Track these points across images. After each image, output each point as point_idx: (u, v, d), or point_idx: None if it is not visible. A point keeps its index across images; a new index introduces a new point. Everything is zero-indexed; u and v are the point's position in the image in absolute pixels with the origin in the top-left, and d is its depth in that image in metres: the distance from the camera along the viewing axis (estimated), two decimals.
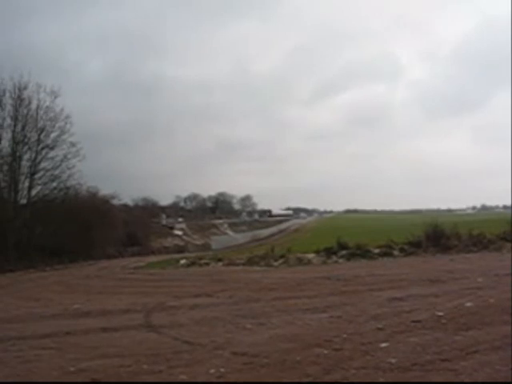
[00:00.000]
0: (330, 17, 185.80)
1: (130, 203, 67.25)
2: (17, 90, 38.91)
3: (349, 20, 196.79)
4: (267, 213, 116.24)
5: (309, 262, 23.26)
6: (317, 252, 24.67)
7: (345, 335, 8.02)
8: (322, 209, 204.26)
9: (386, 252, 23.73)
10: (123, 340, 8.64)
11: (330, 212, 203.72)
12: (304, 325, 9.07)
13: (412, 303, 10.39)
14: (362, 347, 7.28)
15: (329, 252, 24.27)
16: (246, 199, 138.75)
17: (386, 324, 8.63)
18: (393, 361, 6.49)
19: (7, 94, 38.77)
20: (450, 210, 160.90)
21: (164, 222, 78.49)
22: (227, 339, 8.23)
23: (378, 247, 24.50)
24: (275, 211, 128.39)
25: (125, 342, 8.43)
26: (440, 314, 9.13)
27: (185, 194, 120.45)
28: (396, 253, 23.82)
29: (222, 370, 6.59)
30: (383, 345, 7.32)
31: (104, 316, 11.44)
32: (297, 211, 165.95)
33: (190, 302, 12.73)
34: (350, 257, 23.25)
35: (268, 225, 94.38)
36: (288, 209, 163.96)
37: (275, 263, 23.51)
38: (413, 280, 14.06)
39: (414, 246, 24.21)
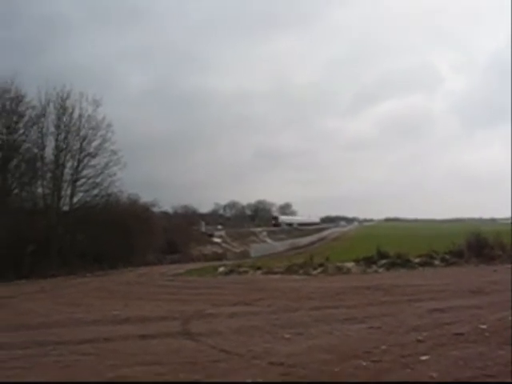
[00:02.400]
0: (367, 29, 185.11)
1: (170, 211, 67.88)
2: (60, 100, 39.76)
3: (386, 31, 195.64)
4: (273, 220, 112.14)
5: (348, 271, 23.02)
6: (356, 261, 24.40)
7: (384, 347, 7.86)
8: (361, 217, 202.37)
9: (427, 261, 23.29)
10: (161, 347, 8.65)
11: (371, 220, 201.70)
12: (342, 335, 8.95)
13: (453, 315, 10.15)
14: (402, 359, 7.13)
15: (368, 261, 23.98)
16: (286, 207, 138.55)
17: (426, 336, 8.44)
18: (434, 375, 6.32)
19: (51, 104, 39.65)
20: (493, 220, 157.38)
21: (203, 229, 78.79)
22: (265, 349, 8.16)
23: (419, 256, 24.08)
24: (301, 219, 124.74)
25: (162, 350, 8.44)
26: (483, 326, 8.89)
27: (224, 201, 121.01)
28: (437, 262, 23.36)
29: (259, 379, 6.54)
30: (424, 358, 7.15)
31: (142, 323, 11.49)
32: (337, 220, 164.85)
33: (228, 310, 12.70)
34: (390, 266, 22.90)
35: (307, 233, 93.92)
36: (328, 217, 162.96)
37: (314, 272, 23.32)
38: (454, 291, 13.76)
39: (455, 256, 23.71)
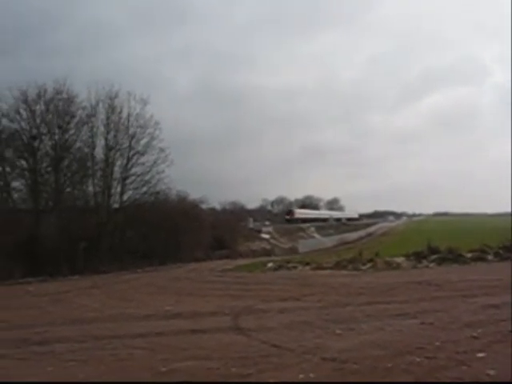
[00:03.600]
0: (411, 24, 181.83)
1: (218, 207, 68.32)
2: (109, 100, 40.47)
3: (430, 26, 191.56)
4: (287, 215, 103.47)
5: (398, 266, 22.71)
6: (406, 256, 24.05)
7: (438, 343, 7.73)
8: (410, 212, 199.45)
9: (480, 256, 22.74)
10: (212, 342, 8.73)
11: (419, 215, 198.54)
12: (394, 331, 8.84)
13: (509, 311, 9.88)
14: (457, 356, 6.99)
15: (419, 256, 23.59)
16: (333, 202, 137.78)
17: (481, 332, 8.25)
18: (491, 372, 6.18)
19: (100, 104, 40.38)
20: None
21: (251, 225, 78.97)
22: (316, 344, 8.14)
23: (471, 251, 23.54)
24: (334, 214, 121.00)
25: (213, 345, 8.51)
26: None
27: (272, 197, 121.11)
28: (490, 257, 22.78)
29: (312, 375, 6.52)
30: (480, 355, 6.99)
31: (193, 318, 11.61)
32: (385, 215, 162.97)
33: (277, 305, 12.70)
34: (441, 261, 22.46)
35: (356, 228, 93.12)
36: (376, 212, 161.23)
37: (363, 267, 23.09)
38: (509, 286, 13.41)
39: (509, 251, 23.09)
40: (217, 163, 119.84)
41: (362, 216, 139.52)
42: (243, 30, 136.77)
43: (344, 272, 22.21)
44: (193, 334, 9.52)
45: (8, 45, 70.50)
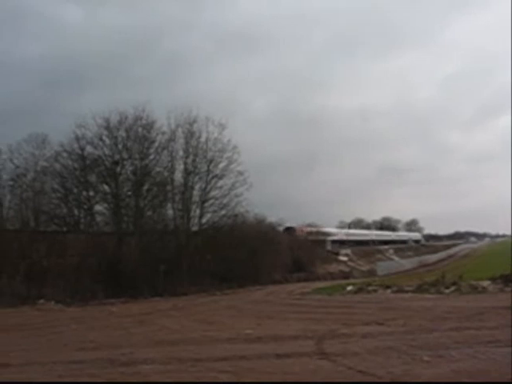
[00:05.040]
0: (487, 41, 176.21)
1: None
2: (187, 125, 41.33)
3: (505, 43, 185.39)
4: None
5: (484, 289, 21.83)
6: (492, 279, 23.09)
7: None
8: (493, 232, 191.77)
9: None
10: (297, 367, 8.59)
11: (503, 236, 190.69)
12: (488, 359, 8.41)
13: None
14: None
15: (507, 279, 22.57)
16: (412, 224, 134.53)
17: None
18: None
19: (179, 129, 41.31)
20: None
21: (329, 247, 78.24)
22: (404, 371, 7.86)
23: None
24: (385, 236, 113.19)
25: (299, 370, 8.37)
26: None
27: (349, 219, 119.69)
28: None
29: None
30: None
31: (275, 341, 11.50)
32: (466, 236, 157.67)
33: (360, 329, 12.44)
34: None
35: (435, 250, 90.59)
36: (457, 233, 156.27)
37: (447, 291, 22.38)
38: None
39: None
40: (293, 185, 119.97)
41: (442, 237, 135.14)
42: (318, 53, 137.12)
43: (427, 295, 21.60)
44: (277, 359, 9.39)
45: (93, 77, 73.52)
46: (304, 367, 8.55)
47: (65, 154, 40.05)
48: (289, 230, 64.29)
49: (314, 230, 72.57)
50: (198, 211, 41.91)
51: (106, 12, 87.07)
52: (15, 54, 71.84)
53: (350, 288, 27.89)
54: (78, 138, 39.50)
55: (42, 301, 27.49)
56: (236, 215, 43.57)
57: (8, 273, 30.15)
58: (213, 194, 41.99)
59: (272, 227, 54.25)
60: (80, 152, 39.96)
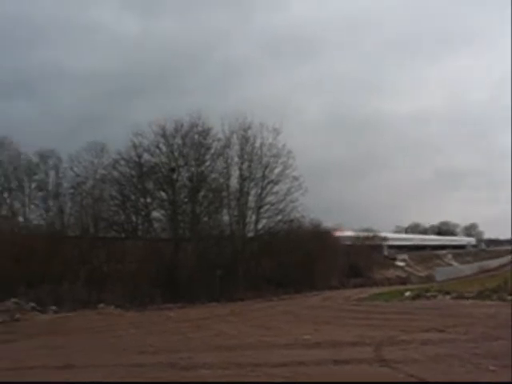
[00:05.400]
0: None
1: (352, 234, 67.46)
2: (242, 131, 41.59)
3: None
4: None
5: None
6: None
7: None
8: None
9: None
10: (356, 374, 8.49)
11: None
12: None
13: None
14: None
15: None
16: (471, 228, 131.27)
17: None
18: None
19: (234, 136, 41.60)
20: None
21: (386, 252, 77.21)
22: (468, 380, 7.65)
23: None
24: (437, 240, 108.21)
25: (358, 377, 8.27)
26: None
27: (405, 223, 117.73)
28: None
29: None
30: None
31: (333, 347, 11.40)
32: None
33: (420, 336, 12.19)
34: None
35: (497, 255, 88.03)
36: None
37: (509, 297, 21.71)
38: None
39: None
40: (349, 190, 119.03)
41: (503, 242, 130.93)
42: (371, 56, 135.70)
43: (488, 302, 21.02)
44: (335, 365, 9.31)
45: (148, 87, 74.97)
46: (363, 374, 8.45)
47: (122, 162, 40.94)
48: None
49: (369, 234, 71.48)
50: (253, 217, 42.14)
51: (160, 24, 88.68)
52: (73, 66, 73.92)
53: (407, 294, 27.45)
54: (135, 146, 40.34)
55: (101, 305, 28.04)
56: (292, 220, 43.55)
57: (69, 278, 30.94)
58: (268, 199, 42.13)
59: (328, 232, 53.95)
60: (137, 159, 40.76)
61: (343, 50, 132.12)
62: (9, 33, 72.16)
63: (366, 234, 70.88)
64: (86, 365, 10.68)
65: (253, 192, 42.00)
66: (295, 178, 41.71)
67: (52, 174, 40.44)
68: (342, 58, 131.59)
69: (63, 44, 75.87)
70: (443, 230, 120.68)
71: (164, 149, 40.55)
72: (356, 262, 55.66)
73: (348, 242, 61.75)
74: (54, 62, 72.16)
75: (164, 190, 41.25)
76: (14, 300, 25.60)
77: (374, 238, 71.81)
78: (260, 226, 42.55)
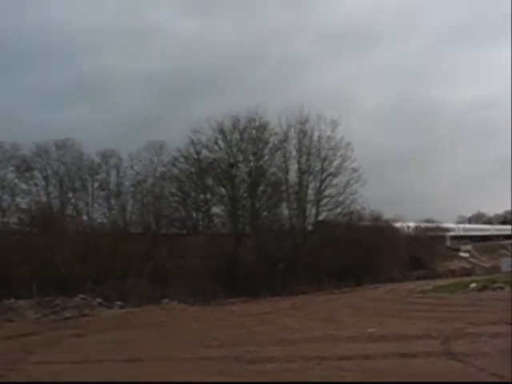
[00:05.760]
0: None
1: (413, 225, 66.29)
2: (299, 124, 41.45)
3: None
4: None
5: None
6: None
7: None
8: None
9: None
10: (424, 368, 8.35)
11: None
12: None
13: None
14: None
15: None
16: None
17: None
18: None
19: (292, 129, 41.53)
20: None
21: (448, 243, 75.39)
22: None
23: None
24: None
25: (427, 370, 8.14)
26: None
27: (469, 213, 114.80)
28: None
29: None
30: None
31: (399, 341, 11.25)
32: None
33: (488, 329, 11.86)
34: None
35: None
36: None
37: None
38: None
39: None
40: (410, 180, 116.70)
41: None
42: (430, 45, 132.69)
43: None
44: (402, 358, 9.18)
45: (205, 86, 75.69)
46: (432, 368, 8.30)
47: (182, 159, 41.53)
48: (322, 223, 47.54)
49: (430, 225, 69.57)
50: (313, 210, 42.00)
51: (217, 24, 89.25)
52: (133, 69, 75.44)
53: (473, 285, 26.76)
54: (193, 143, 40.84)
55: (165, 300, 28.56)
56: (352, 213, 43.21)
57: (133, 274, 31.65)
58: (328, 192, 41.91)
59: (389, 224, 53.23)
60: (196, 156, 41.24)
61: (401, 39, 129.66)
62: (73, 41, 73.95)
63: (427, 224, 69.39)
64: (152, 358, 10.91)
65: (312, 185, 41.94)
66: (354, 170, 41.40)
67: (113, 173, 41.34)
68: (400, 48, 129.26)
69: (123, 49, 77.45)
70: (508, 219, 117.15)
71: (222, 145, 40.95)
72: (418, 254, 54.65)
73: (409, 234, 60.81)
74: (116, 66, 73.64)
75: (223, 186, 41.61)
76: (81, 296, 26.41)
77: (435, 228, 70.20)
78: (320, 218, 42.39)
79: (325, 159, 41.45)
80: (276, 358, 9.79)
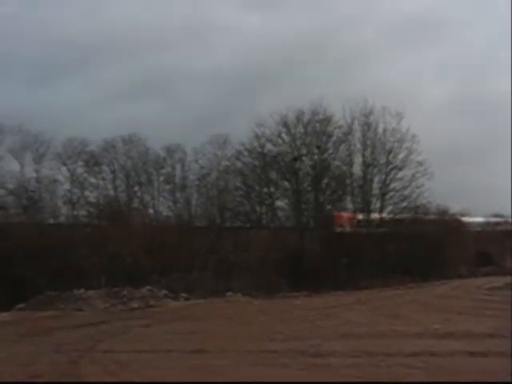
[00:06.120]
0: None
1: (482, 220, 64.38)
2: (363, 117, 40.87)
3: None
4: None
5: None
6: None
7: None
8: None
9: None
10: (495, 367, 8.12)
11: None
12: None
13: None
14: None
15: None
16: None
17: None
18: None
19: (356, 122, 41.00)
20: None
21: None
22: None
23: None
24: None
25: (497, 370, 7.90)
26: None
27: None
28: None
29: None
30: None
31: (467, 339, 11.02)
32: None
33: None
34: None
35: None
36: None
37: None
38: None
39: None
40: (477, 174, 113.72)
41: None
42: (500, 35, 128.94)
43: None
44: (470, 357, 8.96)
45: (268, 79, 75.76)
46: (504, 368, 8.03)
47: (245, 153, 41.58)
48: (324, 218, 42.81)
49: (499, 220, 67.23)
50: (378, 204, 41.38)
51: (281, 16, 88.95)
52: (198, 65, 76.30)
53: None
54: (257, 137, 40.82)
55: (229, 293, 28.85)
56: (418, 207, 42.29)
57: (198, 267, 32.07)
58: (393, 185, 41.06)
59: (456, 218, 51.86)
60: (260, 150, 41.27)
61: (470, 30, 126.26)
62: (139, 38, 75.43)
63: (496, 219, 67.23)
64: (218, 350, 11.05)
65: (376, 179, 41.21)
66: (420, 163, 40.35)
67: (178, 167, 41.76)
68: (468, 39, 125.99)
69: (187, 45, 78.34)
70: None
71: (286, 138, 40.76)
72: (486, 250, 52.98)
73: (477, 229, 59.11)
74: (180, 62, 74.61)
75: (287, 180, 41.51)
76: (147, 288, 26.97)
77: (505, 223, 67.93)
78: (385, 213, 41.77)
79: (390, 152, 40.69)
80: (340, 352, 9.75)
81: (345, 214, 42.07)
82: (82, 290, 25.79)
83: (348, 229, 40.97)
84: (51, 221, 35.49)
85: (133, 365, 9.78)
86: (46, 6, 72.75)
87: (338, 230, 40.68)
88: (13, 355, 11.53)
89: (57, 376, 8.91)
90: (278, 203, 42.34)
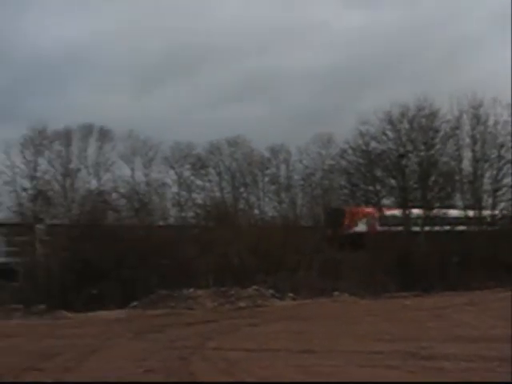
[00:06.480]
0: None
1: None
2: (472, 109, 39.24)
3: None
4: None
5: None
6: None
7: None
8: None
9: None
10: None
11: None
12: None
13: None
14: None
15: None
16: None
17: None
18: None
19: (464, 115, 39.44)
20: None
21: None
22: None
23: None
24: None
25: None
26: None
27: None
28: None
29: None
30: None
31: None
32: None
33: None
34: None
35: None
36: None
37: None
38: None
39: None
40: None
41: None
42: None
43: None
44: None
45: (372, 76, 74.69)
46: None
47: (350, 151, 41.14)
48: (335, 212, 39.71)
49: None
50: (489, 201, 39.65)
51: (383, 14, 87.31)
52: (301, 65, 76.39)
53: None
54: (362, 135, 40.23)
55: (336, 293, 28.64)
56: None
57: (304, 267, 32.04)
58: (506, 181, 39.26)
59: None
60: (364, 148, 40.67)
61: None
62: (240, 41, 76.62)
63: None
64: (325, 350, 10.98)
65: (488, 174, 39.43)
66: None
67: (283, 167, 42.02)
68: None
69: (288, 46, 78.58)
70: None
71: (391, 135, 39.90)
72: None
73: None
74: (281, 63, 75.04)
75: (393, 177, 40.64)
76: (254, 287, 27.33)
77: None
78: (497, 209, 39.94)
79: (502, 146, 38.79)
80: (453, 355, 9.40)
81: (361, 210, 39.94)
82: (192, 290, 26.53)
83: (364, 228, 38.38)
84: (161, 223, 36.86)
85: (241, 363, 9.91)
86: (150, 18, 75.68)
87: (351, 230, 37.89)
88: (129, 351, 12.04)
89: (168, 372, 9.18)
90: (385, 201, 41.57)
